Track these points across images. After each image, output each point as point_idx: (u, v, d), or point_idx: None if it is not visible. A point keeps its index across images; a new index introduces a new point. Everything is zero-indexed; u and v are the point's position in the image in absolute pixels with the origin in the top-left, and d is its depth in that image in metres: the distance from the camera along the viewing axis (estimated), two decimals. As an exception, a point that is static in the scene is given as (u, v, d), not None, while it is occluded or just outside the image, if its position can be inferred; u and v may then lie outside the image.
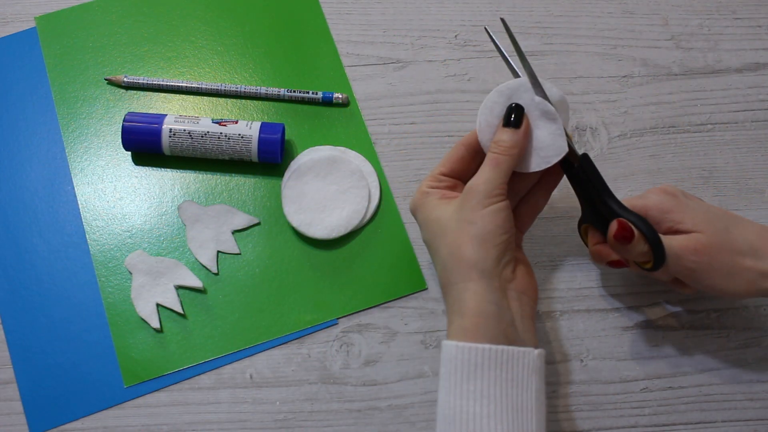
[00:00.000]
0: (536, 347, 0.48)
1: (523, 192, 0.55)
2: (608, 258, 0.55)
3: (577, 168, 0.52)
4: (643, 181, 0.63)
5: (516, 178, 0.53)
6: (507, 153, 0.50)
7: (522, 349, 0.47)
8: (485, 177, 0.50)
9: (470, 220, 0.49)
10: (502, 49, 0.54)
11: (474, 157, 0.53)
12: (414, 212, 0.53)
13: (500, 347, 0.46)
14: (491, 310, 0.47)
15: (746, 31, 0.68)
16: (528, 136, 0.51)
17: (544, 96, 0.52)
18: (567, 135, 0.52)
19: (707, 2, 0.69)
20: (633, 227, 0.50)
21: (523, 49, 0.67)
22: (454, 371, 0.46)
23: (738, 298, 0.59)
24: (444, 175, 0.53)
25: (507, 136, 0.51)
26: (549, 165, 0.52)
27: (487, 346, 0.46)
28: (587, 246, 0.56)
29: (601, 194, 0.52)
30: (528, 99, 0.52)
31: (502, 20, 0.53)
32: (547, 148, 0.52)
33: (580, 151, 0.52)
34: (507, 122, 0.51)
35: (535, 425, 0.46)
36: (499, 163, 0.50)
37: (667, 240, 0.50)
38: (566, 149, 0.52)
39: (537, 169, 0.52)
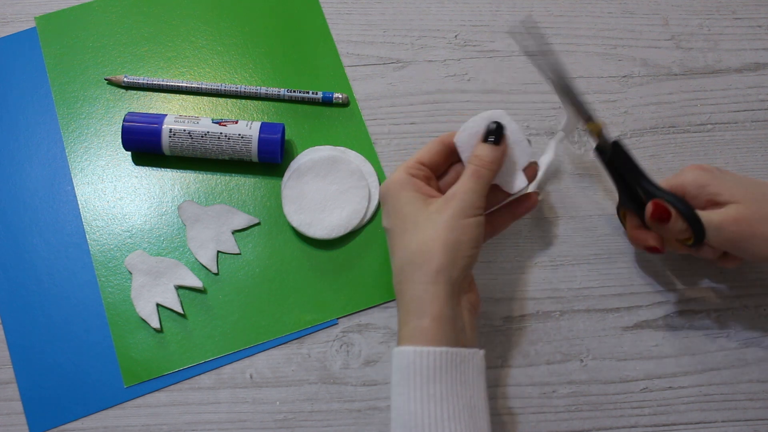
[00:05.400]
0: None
1: (488, 210, 0.55)
2: (646, 243, 0.56)
3: (611, 155, 0.54)
4: (643, 181, 0.63)
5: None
6: (487, 167, 0.51)
7: (471, 350, 0.48)
8: (468, 187, 0.51)
9: (450, 226, 0.49)
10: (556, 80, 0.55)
11: (448, 155, 0.54)
12: (385, 195, 0.53)
13: (455, 350, 0.47)
14: (450, 316, 0.48)
15: (746, 31, 0.68)
16: (505, 155, 0.53)
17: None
18: (596, 122, 0.54)
19: (707, 2, 0.69)
20: (669, 206, 0.51)
21: (523, 49, 0.67)
22: (413, 376, 0.46)
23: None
24: (422, 163, 0.53)
25: (487, 151, 0.52)
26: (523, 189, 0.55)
27: (445, 348, 0.47)
28: (626, 230, 0.58)
29: (636, 177, 0.54)
30: (510, 127, 0.54)
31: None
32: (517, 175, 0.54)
33: (612, 136, 0.54)
34: (486, 138, 0.52)
35: (486, 424, 0.48)
36: (480, 175, 0.51)
37: (706, 214, 0.51)
38: (523, 184, 0.54)
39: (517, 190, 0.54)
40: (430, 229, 0.49)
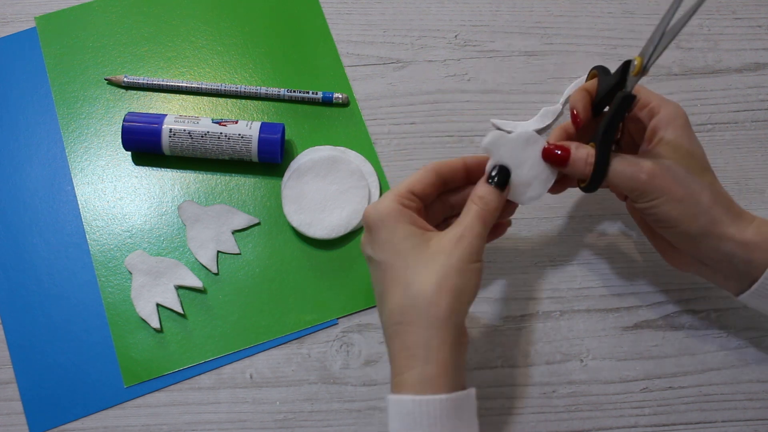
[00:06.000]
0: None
1: None
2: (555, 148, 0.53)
3: (623, 103, 0.50)
4: (643, 181, 0.63)
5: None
6: (492, 213, 0.49)
7: (466, 392, 0.47)
8: (476, 231, 0.48)
9: (459, 271, 0.47)
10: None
11: (439, 186, 0.52)
12: (378, 225, 0.49)
13: (455, 395, 0.46)
14: (457, 362, 0.47)
15: (746, 31, 0.68)
16: (505, 201, 0.51)
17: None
18: (645, 64, 0.50)
19: (707, 2, 0.69)
20: (573, 150, 0.50)
21: (524, 48, 0.67)
22: (413, 426, 0.45)
23: (689, 236, 0.52)
24: (414, 194, 0.50)
25: (493, 196, 0.49)
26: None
27: (445, 396, 0.46)
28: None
29: (607, 129, 0.50)
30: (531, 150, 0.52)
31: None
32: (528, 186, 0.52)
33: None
34: (492, 180, 0.50)
35: None
36: (485, 220, 0.49)
37: (621, 166, 0.50)
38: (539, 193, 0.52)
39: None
40: (436, 271, 0.47)
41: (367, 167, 0.62)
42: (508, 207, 0.53)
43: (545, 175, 0.52)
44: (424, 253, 0.48)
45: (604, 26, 0.68)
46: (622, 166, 0.50)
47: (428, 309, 0.46)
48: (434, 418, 0.45)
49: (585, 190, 0.52)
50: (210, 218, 0.61)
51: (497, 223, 0.53)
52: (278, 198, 0.62)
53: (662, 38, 0.49)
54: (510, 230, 0.61)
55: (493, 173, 0.50)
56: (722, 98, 0.66)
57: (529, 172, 0.51)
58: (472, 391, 0.48)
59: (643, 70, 0.50)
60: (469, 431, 0.47)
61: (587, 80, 0.57)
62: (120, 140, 0.63)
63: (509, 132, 0.54)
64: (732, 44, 0.68)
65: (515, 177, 0.51)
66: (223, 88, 0.65)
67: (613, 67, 0.53)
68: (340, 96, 0.65)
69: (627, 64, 0.51)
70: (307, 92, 0.65)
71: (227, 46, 0.67)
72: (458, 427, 0.46)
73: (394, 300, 0.48)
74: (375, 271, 0.50)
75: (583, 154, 0.51)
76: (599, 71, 0.55)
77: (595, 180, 0.51)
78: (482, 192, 0.50)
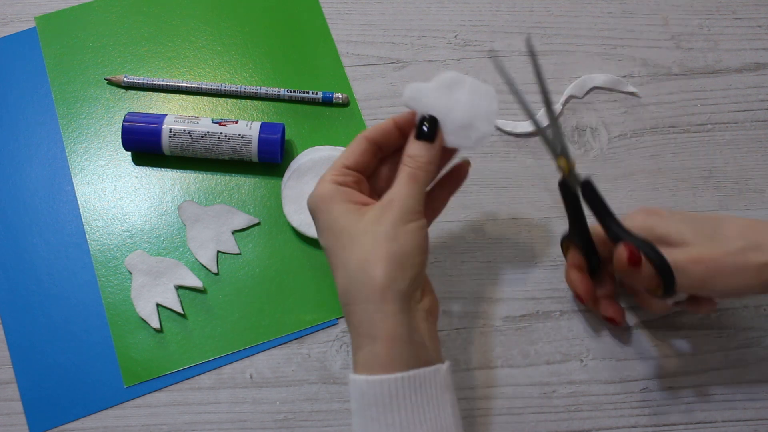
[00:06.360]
0: (443, 362, 0.46)
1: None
2: (604, 313, 0.56)
3: (579, 193, 0.52)
4: (643, 181, 0.63)
5: None
6: (424, 168, 0.47)
7: (432, 368, 0.45)
8: (405, 192, 0.46)
9: (391, 236, 0.45)
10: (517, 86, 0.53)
11: (375, 152, 0.50)
12: (315, 211, 0.48)
13: (413, 372, 0.44)
14: (405, 334, 0.44)
15: (746, 31, 0.68)
16: (440, 151, 0.49)
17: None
18: (569, 160, 0.52)
19: (707, 2, 0.69)
20: (639, 251, 0.49)
21: (524, 48, 0.67)
22: (368, 406, 0.43)
23: (754, 294, 0.55)
24: (348, 168, 0.48)
25: (423, 151, 0.47)
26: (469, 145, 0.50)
27: (400, 375, 0.43)
28: (566, 260, 0.57)
29: (604, 218, 0.52)
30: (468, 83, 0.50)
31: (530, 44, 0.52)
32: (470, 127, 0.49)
33: (582, 175, 0.52)
34: (420, 134, 0.48)
35: None
36: (417, 178, 0.47)
37: (669, 256, 0.49)
38: (491, 132, 0.49)
39: (454, 146, 0.50)
40: (369, 242, 0.45)
41: (367, 167, 0.62)
42: (449, 154, 0.51)
43: (483, 109, 0.49)
44: (357, 228, 0.46)
45: (604, 26, 0.68)
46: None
47: (365, 283, 0.44)
48: (389, 397, 0.43)
49: (665, 294, 0.50)
50: (210, 218, 0.61)
51: (453, 168, 0.52)
52: (278, 198, 0.62)
53: (556, 132, 0.52)
54: (510, 230, 0.61)
55: (421, 126, 0.48)
56: (722, 98, 0.66)
57: (465, 113, 0.49)
58: (441, 367, 0.45)
59: (570, 162, 0.52)
60: (438, 410, 0.44)
61: (565, 253, 0.58)
62: (120, 140, 0.63)
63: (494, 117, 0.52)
64: (732, 44, 0.68)
65: (449, 123, 0.48)
66: (223, 88, 0.65)
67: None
68: (340, 96, 0.65)
69: (579, 208, 0.53)
70: (307, 92, 0.65)
71: (227, 46, 0.67)
72: (422, 405, 0.44)
73: (339, 284, 0.46)
74: (327, 258, 0.48)
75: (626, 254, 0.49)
76: (570, 240, 0.56)
77: (665, 277, 0.49)
78: (411, 150, 0.48)
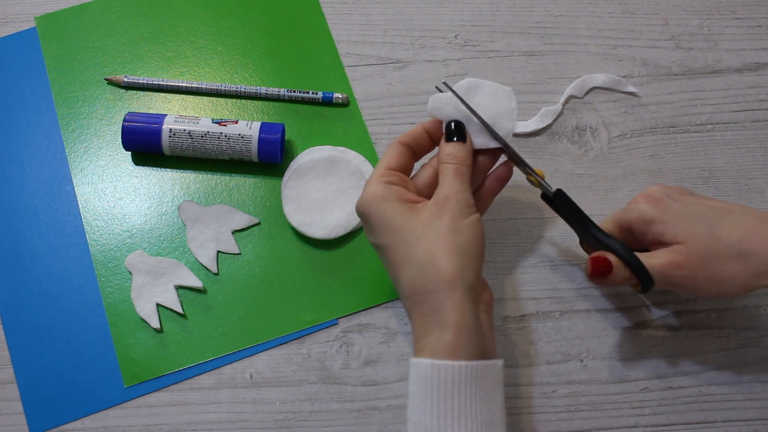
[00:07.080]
0: (498, 357, 0.48)
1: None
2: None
3: (556, 202, 0.54)
4: (643, 181, 0.63)
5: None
6: (464, 164, 0.51)
7: (491, 362, 0.47)
8: (456, 187, 0.49)
9: (454, 230, 0.48)
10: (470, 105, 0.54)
11: (411, 155, 0.53)
12: (367, 212, 0.50)
13: (475, 363, 0.46)
14: (473, 323, 0.47)
15: (746, 31, 0.68)
16: (471, 151, 0.52)
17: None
18: (537, 174, 0.54)
19: (707, 2, 0.69)
20: (609, 257, 0.50)
21: (523, 48, 0.67)
22: (430, 390, 0.45)
23: (734, 297, 0.58)
24: (391, 169, 0.52)
25: (458, 148, 0.51)
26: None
27: (464, 363, 0.45)
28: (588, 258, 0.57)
29: (583, 224, 0.54)
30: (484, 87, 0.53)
31: (446, 84, 0.54)
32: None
33: (552, 186, 0.54)
34: (450, 137, 0.52)
35: None
36: (462, 173, 0.50)
37: (648, 260, 0.50)
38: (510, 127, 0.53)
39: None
40: (434, 236, 0.48)
41: (367, 167, 0.62)
42: (493, 154, 0.54)
43: (503, 109, 0.53)
44: (416, 225, 0.48)
45: (604, 26, 0.68)
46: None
47: (435, 274, 0.47)
48: (452, 384, 0.45)
49: (642, 291, 0.52)
50: (210, 218, 0.61)
51: (498, 169, 0.54)
52: (278, 198, 0.62)
53: (513, 153, 0.53)
54: (510, 230, 0.61)
55: (449, 131, 0.52)
56: (722, 98, 0.66)
57: (486, 115, 0.52)
58: (498, 363, 0.47)
59: (538, 176, 0.54)
60: (490, 403, 0.46)
61: (588, 252, 0.58)
62: (120, 140, 0.63)
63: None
64: (732, 44, 0.68)
65: (473, 125, 0.53)
66: (223, 88, 0.65)
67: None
68: (340, 96, 0.65)
69: (584, 216, 0.54)
70: (307, 92, 0.65)
71: (227, 46, 0.67)
72: (478, 396, 0.45)
73: (404, 277, 0.48)
74: (381, 256, 0.51)
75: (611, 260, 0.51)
76: (586, 242, 0.57)
77: (642, 276, 0.51)
78: (447, 149, 0.51)
